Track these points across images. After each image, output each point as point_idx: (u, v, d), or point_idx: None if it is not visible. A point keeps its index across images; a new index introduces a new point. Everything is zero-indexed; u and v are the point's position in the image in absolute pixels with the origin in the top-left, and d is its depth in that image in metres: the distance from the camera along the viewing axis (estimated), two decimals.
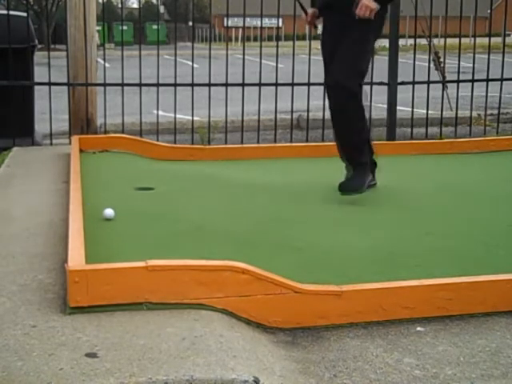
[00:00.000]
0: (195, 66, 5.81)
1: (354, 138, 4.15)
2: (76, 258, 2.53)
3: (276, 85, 6.01)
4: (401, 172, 4.98)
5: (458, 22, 6.57)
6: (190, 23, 37.80)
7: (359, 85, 4.07)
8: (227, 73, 5.80)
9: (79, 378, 1.95)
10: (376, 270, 2.91)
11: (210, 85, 5.88)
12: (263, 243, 3.26)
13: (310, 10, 4.38)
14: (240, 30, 27.40)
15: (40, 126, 6.29)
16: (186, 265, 2.47)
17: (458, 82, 6.35)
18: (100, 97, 5.85)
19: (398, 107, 6.23)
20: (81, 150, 5.08)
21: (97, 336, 2.21)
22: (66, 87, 5.87)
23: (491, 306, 2.63)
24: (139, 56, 5.72)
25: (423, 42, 8.51)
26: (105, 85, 5.80)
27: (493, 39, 6.60)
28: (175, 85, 5.88)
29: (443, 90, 7.29)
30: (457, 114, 6.42)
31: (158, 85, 5.85)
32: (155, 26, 33.62)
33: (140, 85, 5.84)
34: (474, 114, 7.00)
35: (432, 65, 8.25)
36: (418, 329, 2.52)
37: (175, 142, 5.83)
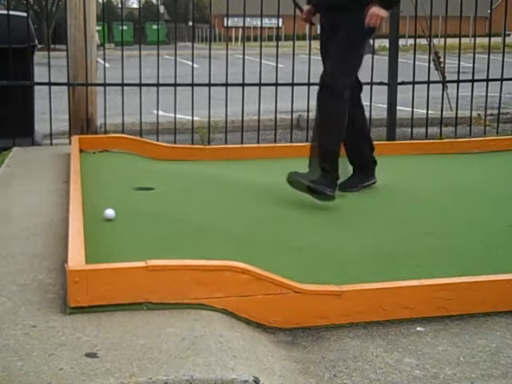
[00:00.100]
0: (195, 65, 5.81)
1: (325, 141, 4.05)
2: (76, 258, 2.53)
3: (276, 85, 6.01)
4: (401, 172, 4.98)
5: (458, 21, 6.57)
6: (190, 23, 37.80)
7: (346, 85, 4.00)
8: (227, 73, 5.80)
9: (79, 378, 1.95)
10: (376, 270, 2.91)
11: (209, 85, 5.88)
12: (263, 243, 3.26)
13: (305, 7, 4.38)
14: (240, 30, 27.40)
15: (40, 126, 6.29)
16: (186, 265, 2.47)
17: (457, 82, 6.35)
18: (100, 97, 5.85)
19: (398, 107, 6.23)
20: (81, 150, 5.08)
21: (97, 336, 2.21)
22: (66, 87, 5.87)
23: (491, 306, 2.63)
24: (139, 56, 5.72)
25: (423, 42, 8.51)
26: (105, 85, 5.80)
27: (493, 39, 6.59)
28: (175, 85, 5.88)
29: (443, 90, 7.29)
30: (457, 114, 6.42)
31: (157, 85, 5.85)
32: (155, 26, 33.61)
33: (140, 85, 5.84)
34: (474, 113, 7.00)
35: (432, 65, 8.25)
36: (418, 329, 2.52)
37: (175, 142, 5.83)
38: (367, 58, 4.53)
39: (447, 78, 8.25)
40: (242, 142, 5.97)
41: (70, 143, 5.42)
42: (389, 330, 2.50)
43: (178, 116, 5.95)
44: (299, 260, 3.04)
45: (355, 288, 2.58)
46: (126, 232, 3.33)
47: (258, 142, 6.04)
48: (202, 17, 42.55)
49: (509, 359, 2.29)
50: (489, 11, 6.54)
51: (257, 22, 10.46)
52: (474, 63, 6.40)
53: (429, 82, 6.42)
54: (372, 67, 5.88)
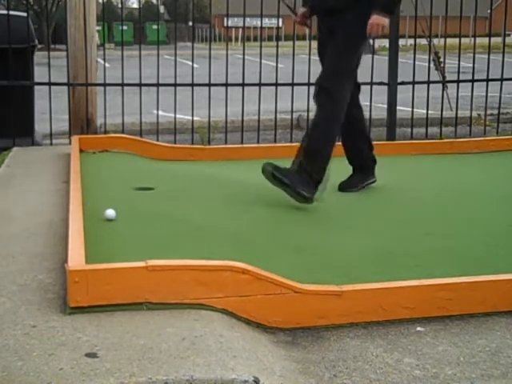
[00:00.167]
0: (195, 65, 5.81)
1: (313, 139, 4.04)
2: (76, 258, 2.53)
3: (276, 85, 6.01)
4: (401, 172, 4.98)
5: (458, 21, 6.57)
6: (190, 23, 37.80)
7: (342, 87, 3.99)
8: (227, 73, 5.80)
9: (79, 378, 1.95)
10: (376, 270, 2.91)
11: (210, 85, 5.88)
12: (263, 243, 3.26)
13: (300, 10, 4.38)
14: (240, 30, 27.40)
15: (40, 126, 6.29)
16: (186, 265, 2.47)
17: (457, 82, 6.35)
18: (100, 97, 5.85)
19: (398, 107, 6.23)
20: (81, 150, 5.08)
21: (97, 336, 2.21)
22: (66, 87, 5.87)
23: (491, 306, 2.64)
24: (139, 56, 5.72)
25: (423, 42, 8.51)
26: (105, 85, 5.80)
27: (493, 39, 6.60)
28: (175, 85, 5.88)
29: (443, 90, 7.29)
30: (457, 114, 6.42)
31: (158, 85, 5.84)
32: (155, 26, 33.62)
33: (140, 85, 5.84)
34: (474, 113, 7.00)
35: (432, 65, 8.25)
36: (418, 329, 2.52)
37: (175, 142, 5.83)
38: (367, 58, 4.54)
39: (447, 78, 8.25)
40: (242, 142, 5.97)
41: (69, 143, 5.42)
42: (389, 330, 2.50)
43: (178, 116, 5.95)
44: (299, 260, 3.04)
45: (355, 288, 2.58)
46: (125, 232, 3.33)
47: (258, 142, 6.04)
48: (201, 17, 42.55)
49: (509, 359, 2.29)
50: (489, 11, 6.54)
51: (257, 22, 10.46)
52: (474, 63, 6.40)
53: (429, 82, 6.42)
54: (372, 67, 5.88)
